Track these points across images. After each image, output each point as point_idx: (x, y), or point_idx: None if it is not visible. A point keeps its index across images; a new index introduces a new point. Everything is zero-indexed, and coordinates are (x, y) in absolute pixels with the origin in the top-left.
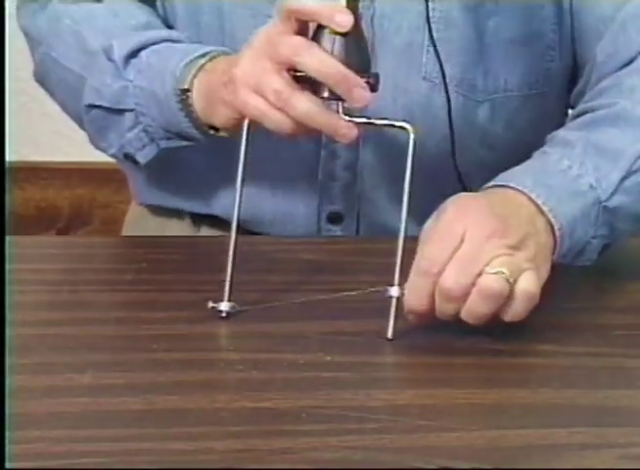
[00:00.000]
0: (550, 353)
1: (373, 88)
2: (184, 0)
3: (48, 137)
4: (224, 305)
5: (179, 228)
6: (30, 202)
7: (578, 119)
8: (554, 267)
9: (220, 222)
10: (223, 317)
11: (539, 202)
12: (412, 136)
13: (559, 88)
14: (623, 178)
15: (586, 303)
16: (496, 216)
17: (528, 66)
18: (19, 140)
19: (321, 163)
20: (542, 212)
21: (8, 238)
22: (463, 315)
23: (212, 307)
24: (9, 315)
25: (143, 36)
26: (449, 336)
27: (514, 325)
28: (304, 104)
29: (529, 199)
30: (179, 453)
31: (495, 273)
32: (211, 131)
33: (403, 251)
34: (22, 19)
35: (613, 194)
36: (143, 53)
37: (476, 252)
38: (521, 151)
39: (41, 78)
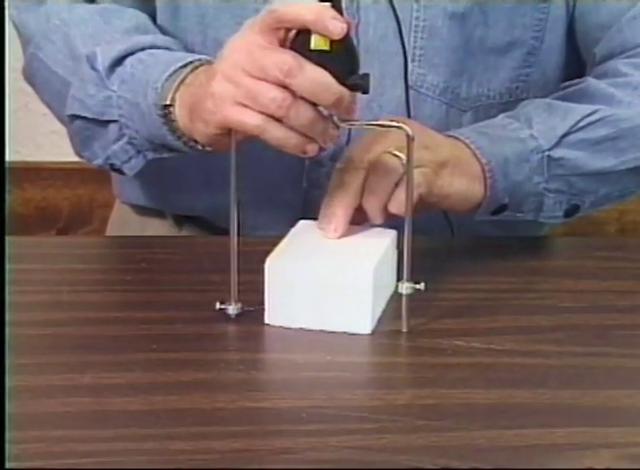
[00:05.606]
0: (550, 353)
1: (364, 90)
2: (164, 2)
3: (48, 137)
4: (232, 308)
5: (161, 227)
6: (30, 202)
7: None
8: (553, 267)
9: (202, 222)
10: (225, 318)
11: (467, 141)
12: (410, 135)
13: (535, 94)
14: (568, 133)
15: (586, 303)
16: (424, 129)
17: (509, 73)
18: (19, 140)
19: (306, 171)
20: (468, 147)
21: (8, 238)
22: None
23: (220, 309)
24: (9, 315)
25: (126, 43)
26: (449, 336)
27: (513, 325)
28: (308, 112)
29: (458, 139)
30: (179, 453)
31: (393, 154)
32: (198, 146)
33: (409, 249)
34: (13, 10)
35: (556, 145)
36: (127, 61)
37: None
38: None
39: (29, 77)
